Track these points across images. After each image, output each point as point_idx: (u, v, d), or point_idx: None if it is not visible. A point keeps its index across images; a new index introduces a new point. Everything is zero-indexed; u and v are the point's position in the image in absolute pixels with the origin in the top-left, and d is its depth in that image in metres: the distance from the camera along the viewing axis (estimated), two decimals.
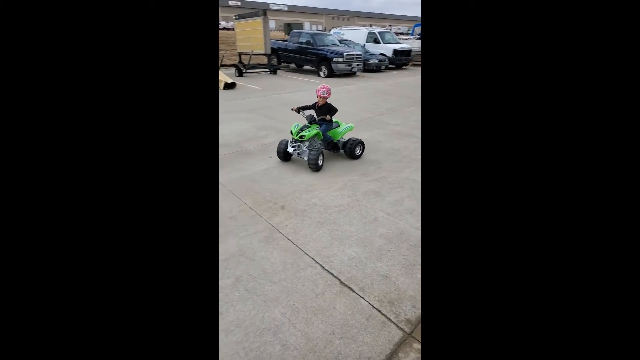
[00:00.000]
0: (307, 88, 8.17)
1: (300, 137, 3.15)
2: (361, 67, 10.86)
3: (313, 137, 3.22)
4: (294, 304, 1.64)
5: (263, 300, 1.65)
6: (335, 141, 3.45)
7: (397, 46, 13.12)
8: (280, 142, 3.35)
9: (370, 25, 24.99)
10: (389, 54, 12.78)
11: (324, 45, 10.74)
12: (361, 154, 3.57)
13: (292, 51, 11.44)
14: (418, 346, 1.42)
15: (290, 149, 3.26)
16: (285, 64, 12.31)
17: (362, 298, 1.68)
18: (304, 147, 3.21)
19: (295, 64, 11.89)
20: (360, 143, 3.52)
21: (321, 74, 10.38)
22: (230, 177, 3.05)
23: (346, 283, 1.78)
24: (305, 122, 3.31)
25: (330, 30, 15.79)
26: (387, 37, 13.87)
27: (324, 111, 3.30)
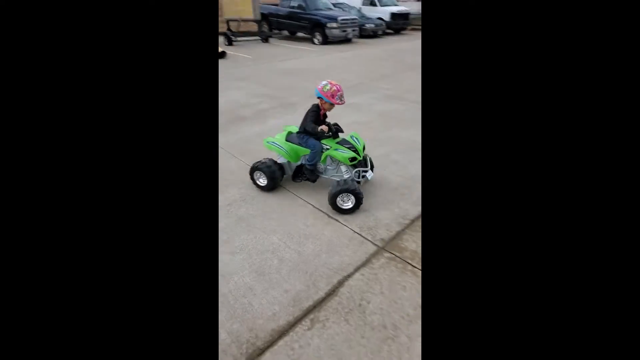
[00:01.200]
0: (300, 56, 8.15)
1: (364, 156, 2.31)
2: (357, 32, 10.59)
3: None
4: (289, 232, 1.98)
5: (263, 232, 1.99)
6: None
7: (395, 9, 12.64)
8: (343, 185, 2.06)
9: None
10: (387, 17, 12.36)
11: (317, 9, 10.39)
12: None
13: (283, 17, 11.02)
14: (388, 255, 1.78)
15: (368, 175, 2.25)
16: (277, 31, 11.97)
17: (346, 226, 2.02)
18: (330, 168, 2.34)
19: (288, 31, 11.54)
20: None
21: (315, 41, 10.18)
22: (228, 139, 3.31)
23: (333, 217, 2.11)
24: (330, 138, 2.28)
25: None
26: None
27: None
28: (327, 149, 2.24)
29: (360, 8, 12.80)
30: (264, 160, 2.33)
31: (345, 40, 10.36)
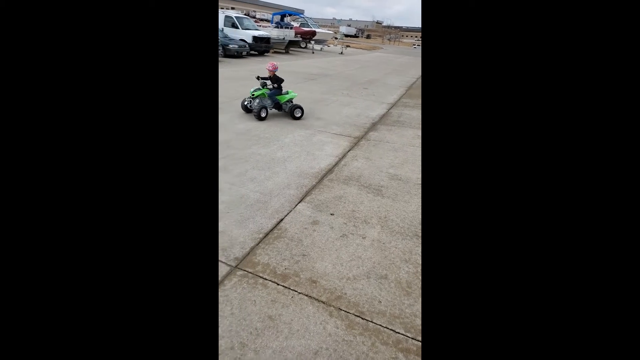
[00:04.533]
0: None
1: (252, 95, 4.72)
2: (221, 52, 10.52)
3: (260, 96, 4.71)
4: None
5: None
6: (280, 103, 4.88)
7: (257, 33, 13.30)
8: (243, 100, 4.96)
9: (232, 8, 23.95)
10: (249, 40, 12.83)
11: None
12: (300, 116, 4.87)
13: None
14: (240, 272, 1.79)
15: (246, 103, 4.85)
16: None
17: None
18: (254, 103, 4.69)
19: None
20: (299, 108, 4.88)
21: None
22: None
23: None
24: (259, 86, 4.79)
25: None
26: (246, 22, 13.83)
27: (274, 80, 4.83)
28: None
29: (222, 29, 12.81)
30: None
31: None
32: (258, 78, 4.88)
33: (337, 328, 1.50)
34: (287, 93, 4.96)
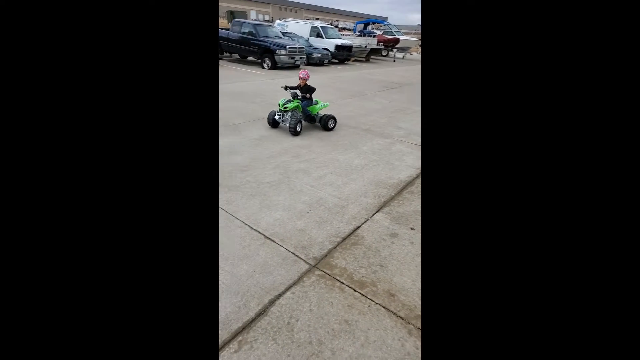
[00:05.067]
0: (248, 79, 8.26)
1: (285, 108, 4.20)
2: (304, 60, 11.22)
3: (294, 109, 4.25)
4: (223, 255, 1.96)
5: None
6: (312, 115, 4.51)
7: (339, 42, 13.74)
8: (269, 113, 4.46)
9: (317, 19, 25.32)
10: (332, 48, 13.34)
11: (267, 37, 10.82)
12: (334, 126, 4.60)
13: (234, 41, 11.28)
14: (319, 272, 1.88)
15: (276, 117, 4.31)
16: (227, 54, 12.07)
17: (281, 246, 2.08)
18: (287, 116, 4.25)
19: (239, 55, 11.76)
20: (333, 118, 4.57)
21: (265, 65, 10.48)
22: None
23: (269, 237, 2.16)
24: (289, 97, 4.33)
25: (274, 22, 15.77)
26: (330, 32, 14.43)
27: (305, 90, 4.43)
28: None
29: (308, 38, 13.65)
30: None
31: (294, 67, 10.85)
32: (286, 88, 4.48)
33: (417, 349, 1.45)
34: (316, 103, 4.60)
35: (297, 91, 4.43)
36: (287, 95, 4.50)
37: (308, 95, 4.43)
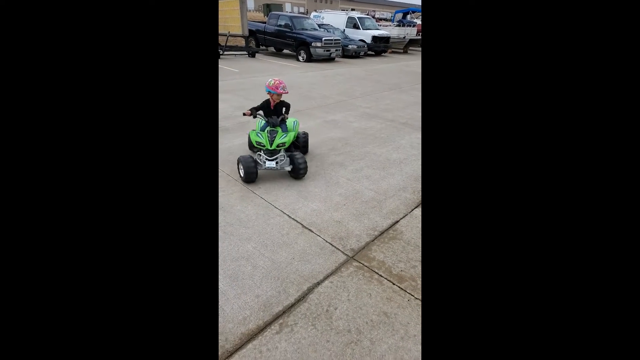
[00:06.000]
0: (284, 72, 8.37)
1: (279, 145, 2.67)
2: (340, 52, 11.08)
3: (291, 142, 2.77)
4: (264, 241, 2.04)
5: (238, 239, 2.04)
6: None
7: (376, 32, 13.35)
8: (244, 161, 2.62)
9: (352, 10, 24.82)
10: (368, 40, 13.01)
11: (303, 29, 10.83)
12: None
13: (270, 34, 11.43)
14: (357, 264, 1.88)
15: (268, 165, 2.68)
16: (263, 47, 12.29)
17: (319, 236, 2.12)
18: (282, 155, 2.73)
19: (274, 48, 11.90)
20: (305, 135, 3.27)
21: (300, 58, 10.53)
22: None
23: (307, 227, 2.20)
24: (263, 127, 2.81)
25: (310, 13, 15.73)
26: (367, 22, 14.06)
27: (279, 109, 2.85)
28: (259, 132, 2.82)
29: (344, 30, 13.43)
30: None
31: (329, 59, 10.78)
32: (255, 115, 2.75)
33: None
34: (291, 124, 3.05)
35: (278, 117, 2.80)
36: (254, 125, 3.33)
37: (287, 116, 2.89)
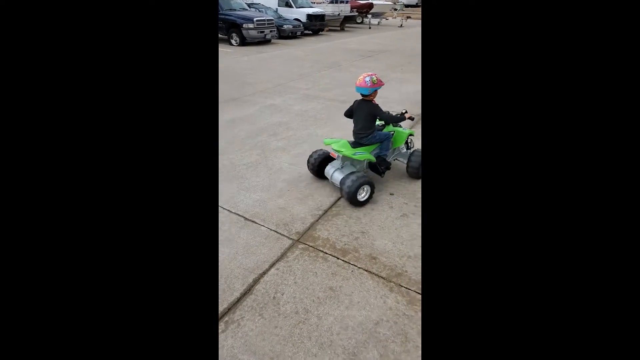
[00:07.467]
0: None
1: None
2: (275, 33, 10.64)
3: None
4: None
5: None
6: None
7: (311, 11, 13.04)
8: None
9: None
10: (303, 19, 12.68)
11: (231, 10, 10.15)
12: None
13: None
14: (302, 246, 1.89)
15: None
16: None
17: (263, 226, 2.07)
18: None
19: None
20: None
21: (233, 42, 9.92)
22: None
23: (249, 219, 2.14)
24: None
25: None
26: (300, 0, 13.66)
27: (379, 114, 2.27)
28: (393, 133, 2.51)
29: (276, 9, 12.88)
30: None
31: (264, 41, 10.32)
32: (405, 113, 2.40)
33: (398, 303, 1.51)
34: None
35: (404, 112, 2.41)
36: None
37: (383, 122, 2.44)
